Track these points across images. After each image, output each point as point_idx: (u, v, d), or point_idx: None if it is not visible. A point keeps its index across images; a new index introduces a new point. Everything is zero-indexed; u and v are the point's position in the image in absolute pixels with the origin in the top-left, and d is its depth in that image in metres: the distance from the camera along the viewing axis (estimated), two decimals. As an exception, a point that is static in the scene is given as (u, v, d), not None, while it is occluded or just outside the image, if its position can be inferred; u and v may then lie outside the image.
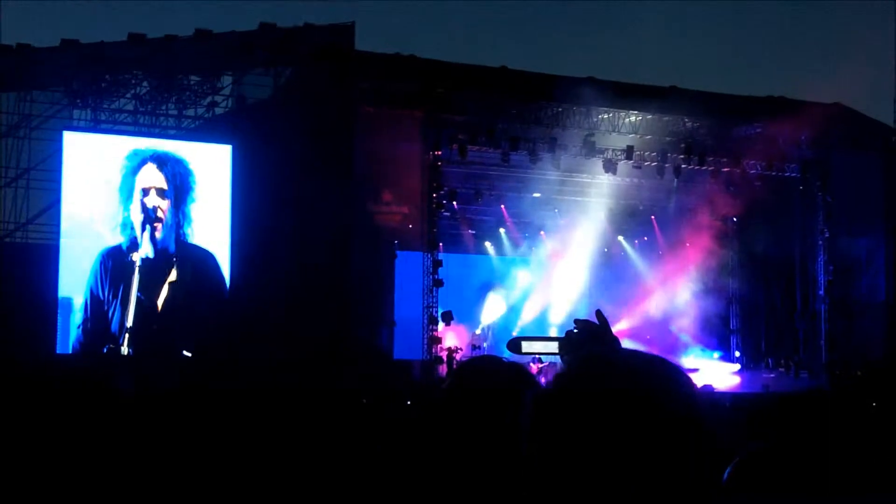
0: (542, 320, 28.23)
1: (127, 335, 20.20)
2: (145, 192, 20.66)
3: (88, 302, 20.23)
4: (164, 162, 20.91)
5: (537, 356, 16.35)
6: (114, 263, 20.45)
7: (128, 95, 21.67)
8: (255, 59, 21.72)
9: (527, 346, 3.07)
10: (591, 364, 1.60)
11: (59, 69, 20.66)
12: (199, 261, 21.16)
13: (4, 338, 18.39)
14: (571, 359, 1.62)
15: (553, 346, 3.01)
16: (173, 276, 20.83)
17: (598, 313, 3.06)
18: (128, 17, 44.97)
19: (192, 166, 21.13)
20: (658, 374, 1.55)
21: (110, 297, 20.34)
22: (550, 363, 20.87)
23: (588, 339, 3.04)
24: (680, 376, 1.56)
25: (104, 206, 20.36)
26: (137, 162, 20.69)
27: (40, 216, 21.24)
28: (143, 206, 20.59)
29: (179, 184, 20.95)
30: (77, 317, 20.18)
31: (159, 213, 20.64)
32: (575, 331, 3.14)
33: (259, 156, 20.77)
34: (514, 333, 27.86)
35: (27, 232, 21.33)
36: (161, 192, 20.80)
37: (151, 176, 20.83)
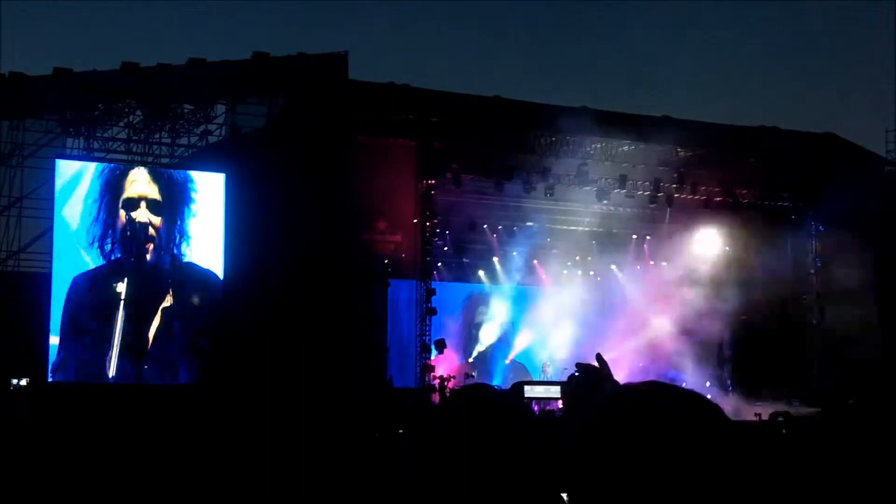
0: (533, 349, 28.16)
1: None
2: (132, 203, 19.55)
3: (65, 338, 19.01)
4: (159, 173, 19.97)
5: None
6: (93, 292, 19.26)
7: (121, 124, 21.65)
8: (249, 88, 21.77)
9: (529, 391, 3.09)
10: (631, 393, 1.71)
11: (52, 98, 20.64)
12: (200, 283, 20.12)
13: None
14: (610, 389, 1.70)
15: (554, 390, 3.03)
16: (168, 301, 19.89)
17: (599, 357, 3.08)
18: (121, 46, 45.07)
19: (189, 175, 20.34)
20: (696, 399, 1.66)
21: (91, 332, 19.22)
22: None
23: (589, 382, 3.05)
24: (711, 404, 1.69)
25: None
26: (121, 169, 19.52)
27: (33, 244, 21.17)
28: (131, 221, 19.48)
29: (178, 197, 19.97)
30: (54, 358, 18.84)
31: (150, 231, 19.71)
32: (576, 374, 3.17)
33: (253, 184, 20.73)
34: (507, 362, 27.84)
35: (19, 260, 21.24)
36: (154, 206, 19.79)
37: (141, 184, 19.66)
